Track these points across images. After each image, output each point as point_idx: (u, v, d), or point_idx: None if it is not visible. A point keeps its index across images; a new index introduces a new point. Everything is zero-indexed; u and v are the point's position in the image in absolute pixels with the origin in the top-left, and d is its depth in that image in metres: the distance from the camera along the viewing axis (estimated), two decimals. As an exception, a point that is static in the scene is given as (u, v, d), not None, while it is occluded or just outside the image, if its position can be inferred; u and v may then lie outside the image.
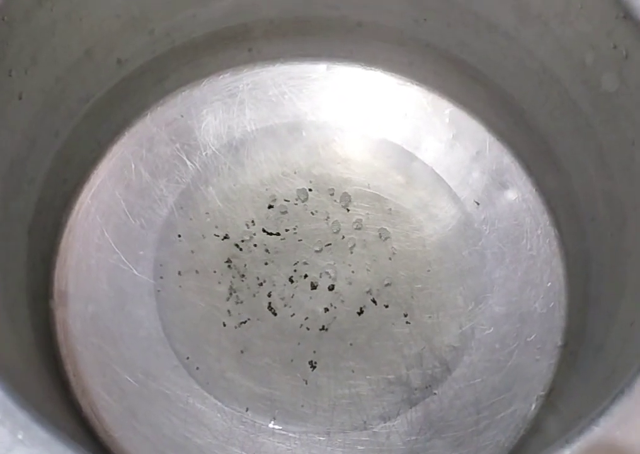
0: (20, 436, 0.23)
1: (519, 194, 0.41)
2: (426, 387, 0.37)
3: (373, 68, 0.43)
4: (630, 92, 0.29)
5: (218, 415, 0.35)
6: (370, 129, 0.43)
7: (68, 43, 0.32)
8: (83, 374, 0.35)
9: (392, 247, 0.40)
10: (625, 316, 0.29)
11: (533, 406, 0.35)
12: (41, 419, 0.23)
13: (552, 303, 0.38)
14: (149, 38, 0.37)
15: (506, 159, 0.41)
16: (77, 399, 0.34)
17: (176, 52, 0.39)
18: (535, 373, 0.36)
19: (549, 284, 0.38)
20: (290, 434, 0.35)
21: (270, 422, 0.35)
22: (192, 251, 0.39)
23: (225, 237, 0.39)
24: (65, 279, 0.37)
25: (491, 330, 0.38)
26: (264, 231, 0.40)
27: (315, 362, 0.37)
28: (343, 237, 0.40)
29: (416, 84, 0.43)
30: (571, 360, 0.34)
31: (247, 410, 0.36)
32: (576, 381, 0.33)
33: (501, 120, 0.40)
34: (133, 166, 0.40)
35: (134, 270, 0.38)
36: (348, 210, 0.41)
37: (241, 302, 0.38)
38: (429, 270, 0.39)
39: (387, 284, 0.39)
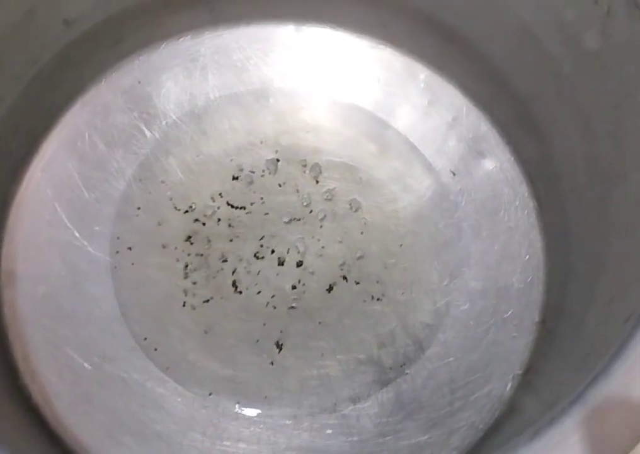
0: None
1: (497, 163, 0.39)
2: (399, 367, 0.35)
3: (343, 29, 0.40)
4: (614, 50, 0.27)
5: (179, 399, 0.34)
6: (341, 95, 0.40)
7: (6, 2, 0.29)
8: (33, 358, 0.33)
9: (364, 220, 0.38)
10: (605, 292, 0.27)
11: (510, 385, 0.34)
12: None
13: (530, 278, 0.36)
14: (99, -4, 0.34)
15: (484, 127, 0.39)
16: (26, 385, 0.32)
17: (130, 12, 0.36)
18: (512, 351, 0.35)
19: (527, 257, 0.36)
20: (255, 418, 0.34)
21: (234, 406, 0.34)
22: (151, 227, 0.37)
23: (187, 211, 0.37)
24: (13, 258, 0.35)
25: (466, 306, 0.36)
26: (228, 204, 0.38)
27: (283, 343, 0.35)
28: (312, 210, 0.38)
29: (389, 47, 0.40)
30: (549, 337, 0.33)
31: (210, 394, 0.34)
32: (554, 360, 0.31)
33: (479, 85, 0.38)
34: (87, 136, 0.38)
35: (89, 247, 0.36)
36: (318, 181, 0.38)
37: (204, 279, 0.36)
38: (402, 244, 0.37)
39: (359, 259, 0.37)
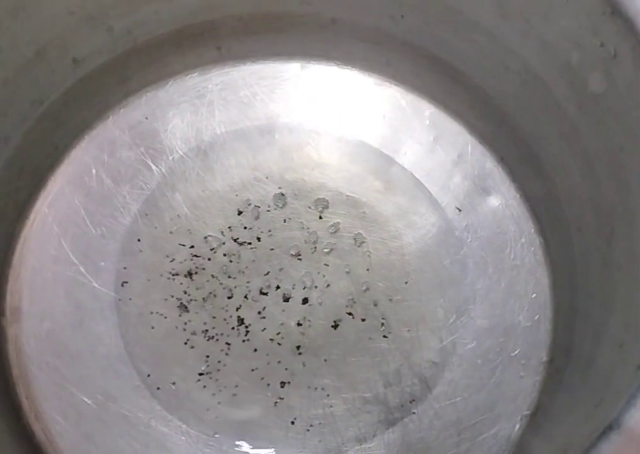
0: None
1: (502, 200, 0.39)
2: (405, 406, 0.35)
3: (349, 67, 0.41)
4: (619, 93, 0.27)
5: (183, 438, 0.33)
6: (346, 132, 0.40)
7: (16, 42, 0.30)
8: (37, 396, 0.33)
9: (369, 256, 0.38)
10: (614, 335, 0.27)
11: (518, 426, 0.33)
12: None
13: (537, 316, 0.36)
14: (108, 36, 0.35)
15: (489, 164, 0.39)
16: (30, 424, 0.32)
17: (138, 50, 0.37)
18: (520, 391, 0.34)
19: (534, 295, 0.36)
20: (260, 458, 0.33)
21: (238, 446, 0.33)
22: (156, 262, 0.37)
23: (192, 246, 0.37)
24: (18, 294, 0.35)
25: (473, 345, 0.36)
26: (234, 239, 0.38)
27: (287, 381, 0.35)
28: (317, 246, 0.38)
29: (395, 84, 0.40)
30: (557, 377, 0.32)
31: (215, 433, 0.33)
32: (563, 401, 0.31)
33: (483, 122, 0.38)
34: (94, 171, 0.38)
35: (94, 283, 0.36)
36: (323, 217, 0.39)
37: (208, 316, 0.36)
38: (407, 281, 0.37)
39: (364, 295, 0.37)
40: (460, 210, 0.39)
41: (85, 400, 0.33)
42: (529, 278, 0.37)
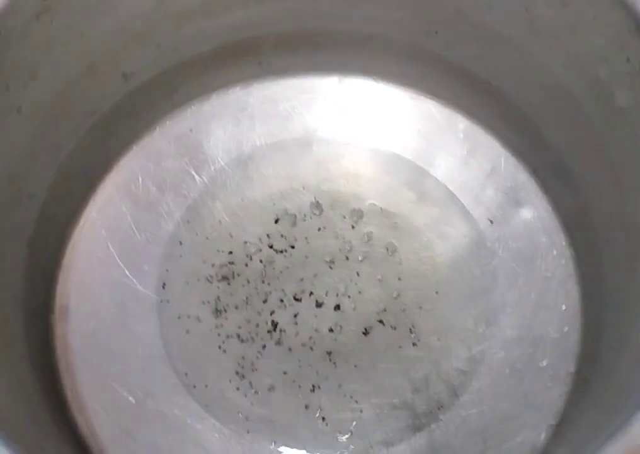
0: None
1: (534, 212, 0.39)
2: (432, 412, 0.35)
3: (385, 81, 0.42)
4: (644, 108, 0.27)
5: (216, 435, 0.35)
6: (382, 144, 0.42)
7: (70, 58, 0.32)
8: (81, 390, 0.35)
9: (401, 265, 0.39)
10: (638, 346, 0.27)
11: (543, 435, 0.33)
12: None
13: (566, 328, 0.36)
14: (155, 52, 0.37)
15: (522, 176, 0.40)
16: (74, 416, 0.34)
17: (183, 65, 0.39)
18: (546, 401, 0.35)
19: (564, 307, 0.37)
20: (289, 458, 0.34)
21: (269, 445, 0.35)
22: (196, 267, 0.38)
23: (231, 252, 0.39)
24: (67, 294, 0.37)
25: (501, 354, 0.36)
26: (270, 247, 0.39)
27: (318, 385, 0.36)
28: (351, 255, 0.39)
29: (429, 98, 0.41)
30: (583, 388, 0.33)
31: (248, 432, 0.35)
32: (589, 412, 0.31)
33: (516, 135, 0.39)
34: (140, 180, 0.40)
35: (137, 285, 0.38)
36: (357, 227, 0.40)
37: (244, 320, 0.37)
38: (438, 291, 0.38)
39: (395, 304, 0.38)
40: (492, 222, 0.39)
41: (126, 395, 0.35)
42: (559, 290, 0.37)
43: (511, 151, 0.40)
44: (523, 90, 0.36)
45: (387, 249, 0.39)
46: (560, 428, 0.33)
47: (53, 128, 0.33)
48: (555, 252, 0.38)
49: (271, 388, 0.36)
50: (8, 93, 0.29)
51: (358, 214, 0.40)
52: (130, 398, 0.35)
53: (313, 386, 0.36)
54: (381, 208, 0.40)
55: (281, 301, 0.38)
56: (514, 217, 0.39)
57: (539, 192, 0.39)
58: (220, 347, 0.36)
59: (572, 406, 0.33)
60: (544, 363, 0.35)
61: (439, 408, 0.35)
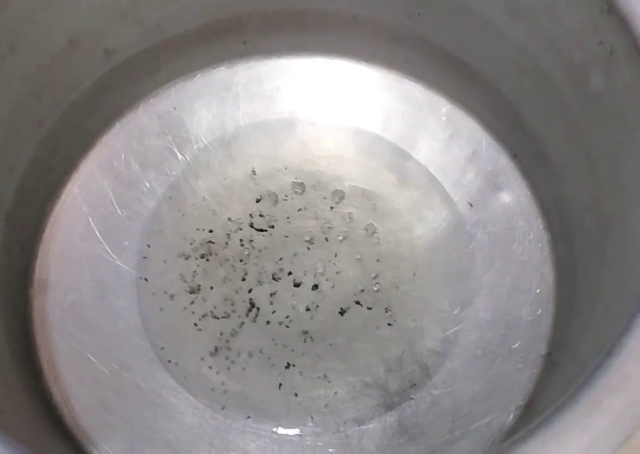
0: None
1: (513, 197, 0.39)
2: (404, 392, 0.36)
3: (370, 63, 0.42)
4: (616, 92, 0.27)
5: (190, 410, 0.35)
6: (365, 126, 0.42)
7: (50, 32, 0.32)
8: (57, 362, 0.35)
9: (380, 247, 0.39)
10: (601, 330, 0.27)
11: (511, 416, 0.34)
12: None
13: (540, 311, 0.36)
14: (138, 29, 0.37)
15: (502, 161, 0.40)
16: (49, 386, 0.34)
17: (167, 43, 0.39)
18: (516, 382, 0.35)
19: (538, 290, 0.37)
20: (261, 433, 0.35)
21: (243, 420, 0.35)
22: (176, 245, 0.39)
23: (211, 231, 0.39)
24: (47, 268, 0.37)
25: (475, 336, 0.37)
26: (251, 226, 0.40)
27: (293, 362, 0.36)
28: (330, 236, 0.39)
29: (413, 81, 0.41)
30: (553, 370, 0.33)
31: (222, 408, 0.35)
32: (555, 392, 0.31)
33: (498, 120, 0.39)
34: (123, 156, 0.40)
35: (117, 261, 0.38)
36: (337, 208, 0.40)
37: (221, 297, 0.37)
38: (415, 273, 0.38)
39: (372, 286, 0.38)
40: (471, 206, 0.40)
41: (102, 368, 0.35)
42: (534, 273, 0.37)
43: (493, 136, 0.40)
44: (503, 74, 0.36)
45: (367, 230, 0.39)
46: (528, 409, 0.33)
47: (33, 102, 0.33)
48: (532, 236, 0.38)
49: (246, 365, 0.36)
50: (-15, 64, 0.29)
51: (339, 195, 0.40)
52: (106, 371, 0.35)
53: (288, 363, 0.36)
54: (362, 190, 0.40)
55: (260, 280, 0.38)
56: (494, 201, 0.39)
57: (519, 177, 0.39)
58: (196, 324, 0.37)
59: (541, 388, 0.33)
60: (516, 345, 0.36)
61: (411, 388, 0.36)
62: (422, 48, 0.39)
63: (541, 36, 0.31)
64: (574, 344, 0.32)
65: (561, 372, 0.32)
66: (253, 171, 0.41)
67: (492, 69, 0.37)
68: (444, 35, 0.37)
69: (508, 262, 0.38)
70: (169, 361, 0.36)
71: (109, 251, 0.38)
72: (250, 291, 0.38)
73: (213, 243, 0.39)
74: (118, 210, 0.39)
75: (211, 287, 0.38)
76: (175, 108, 0.42)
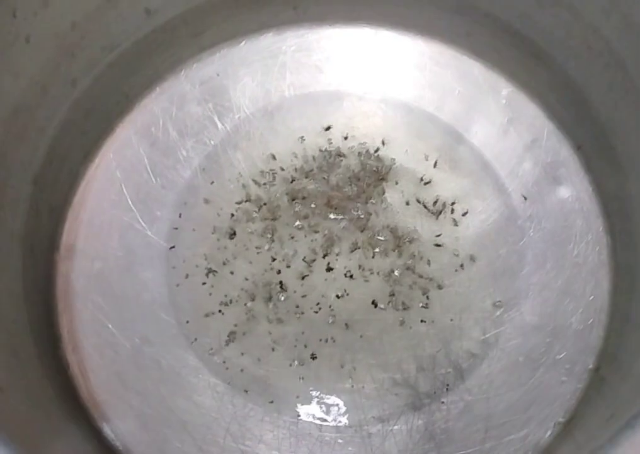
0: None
1: (573, 192, 0.36)
2: (435, 393, 0.33)
3: (426, 37, 0.39)
4: None
5: (209, 392, 0.34)
6: (418, 104, 0.39)
7: (87, -14, 0.31)
8: (77, 331, 0.34)
9: (422, 238, 0.36)
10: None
11: (549, 433, 0.31)
12: None
13: (591, 320, 0.33)
14: (182, -13, 0.35)
15: (564, 152, 0.36)
16: (67, 355, 0.34)
17: (213, 5, 0.37)
18: (558, 396, 0.32)
19: (591, 297, 0.34)
20: (280, 423, 0.33)
21: (262, 407, 0.33)
22: (210, 217, 0.37)
23: (245, 204, 0.37)
24: (75, 233, 0.36)
25: (517, 341, 0.34)
26: (291, 200, 0.37)
27: (320, 350, 0.34)
28: (370, 220, 0.37)
29: (473, 59, 0.38)
30: (600, 386, 0.30)
31: (245, 391, 0.34)
32: (601, 412, 0.29)
33: (563, 106, 0.35)
34: (161, 122, 0.39)
35: (147, 231, 0.37)
36: (380, 190, 0.37)
37: (251, 276, 0.36)
38: (458, 268, 0.36)
39: (410, 277, 0.35)
40: (525, 199, 0.36)
41: (123, 341, 0.34)
42: (589, 278, 0.34)
43: (556, 124, 0.36)
44: (573, 55, 0.32)
45: (412, 218, 0.37)
46: (569, 427, 0.30)
47: (67, 61, 0.32)
48: (590, 237, 0.35)
49: (271, 350, 0.35)
50: (15, 20, 0.28)
51: (383, 178, 0.38)
52: (127, 344, 0.34)
53: (313, 352, 0.34)
54: (409, 173, 0.38)
55: (291, 261, 0.36)
56: (551, 195, 0.36)
57: (581, 171, 0.36)
58: (224, 303, 0.35)
59: (585, 405, 0.31)
60: (562, 355, 0.33)
61: (443, 390, 0.33)
62: (485, 23, 0.36)
63: (617, 15, 0.28)
64: (626, 360, 0.29)
65: (610, 390, 0.29)
66: (297, 143, 0.38)
67: (562, 49, 0.33)
68: (510, 9, 0.34)
69: (561, 263, 0.35)
70: (195, 339, 0.35)
71: (140, 220, 0.37)
72: (279, 272, 0.36)
73: (246, 217, 0.37)
74: (152, 179, 0.38)
75: (241, 265, 0.36)
76: (218, 75, 0.40)
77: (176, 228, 0.37)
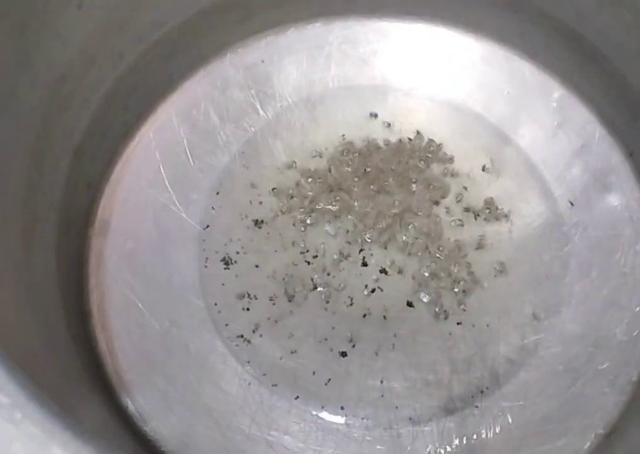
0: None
1: (623, 200, 0.35)
2: (469, 397, 0.32)
3: (478, 35, 0.38)
4: None
5: (236, 379, 0.33)
6: (464, 103, 0.38)
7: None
8: (108, 308, 0.33)
9: (464, 237, 0.35)
10: None
11: (588, 445, 0.30)
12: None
13: (637, 331, 0.32)
14: (236, -30, 0.34)
15: (615, 159, 0.36)
16: (96, 333, 0.33)
17: (263, -10, 0.36)
18: (599, 407, 0.31)
19: (638, 309, 0.33)
20: (307, 416, 0.32)
21: (289, 400, 0.32)
22: (245, 204, 0.36)
23: (283, 193, 0.36)
24: (110, 209, 0.36)
25: (557, 349, 0.33)
26: (329, 191, 0.36)
27: (352, 346, 0.33)
28: (409, 217, 0.36)
29: (525, 60, 0.38)
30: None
31: (273, 385, 0.33)
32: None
33: (616, 112, 0.34)
34: (203, 106, 0.38)
35: (183, 213, 0.36)
36: (420, 188, 0.36)
37: (284, 267, 0.35)
38: (499, 271, 0.35)
39: (448, 277, 0.35)
40: (572, 205, 0.35)
41: (153, 322, 0.33)
42: (636, 289, 0.33)
43: (607, 129, 0.36)
44: (631, 59, 0.32)
45: (453, 218, 0.36)
46: (610, 439, 0.29)
47: (115, 32, 0.31)
48: (638, 247, 0.34)
49: (302, 342, 0.34)
50: (72, -17, 0.27)
51: (424, 174, 0.37)
52: (156, 325, 0.33)
53: (345, 347, 0.33)
54: (451, 172, 0.37)
55: (326, 254, 0.35)
56: (599, 202, 0.35)
57: (632, 179, 0.35)
58: (254, 291, 0.34)
59: (626, 418, 0.29)
60: (604, 366, 0.32)
61: (477, 395, 0.32)
62: (539, 21, 0.35)
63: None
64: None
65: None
66: (337, 136, 0.38)
67: (620, 52, 0.32)
68: (567, 8, 0.33)
69: (607, 272, 0.34)
70: (225, 325, 0.34)
71: (176, 202, 0.36)
72: (312, 263, 0.35)
73: (283, 206, 0.36)
74: (191, 161, 0.37)
75: (275, 254, 0.35)
76: (263, 61, 0.39)
77: (211, 212, 0.36)
